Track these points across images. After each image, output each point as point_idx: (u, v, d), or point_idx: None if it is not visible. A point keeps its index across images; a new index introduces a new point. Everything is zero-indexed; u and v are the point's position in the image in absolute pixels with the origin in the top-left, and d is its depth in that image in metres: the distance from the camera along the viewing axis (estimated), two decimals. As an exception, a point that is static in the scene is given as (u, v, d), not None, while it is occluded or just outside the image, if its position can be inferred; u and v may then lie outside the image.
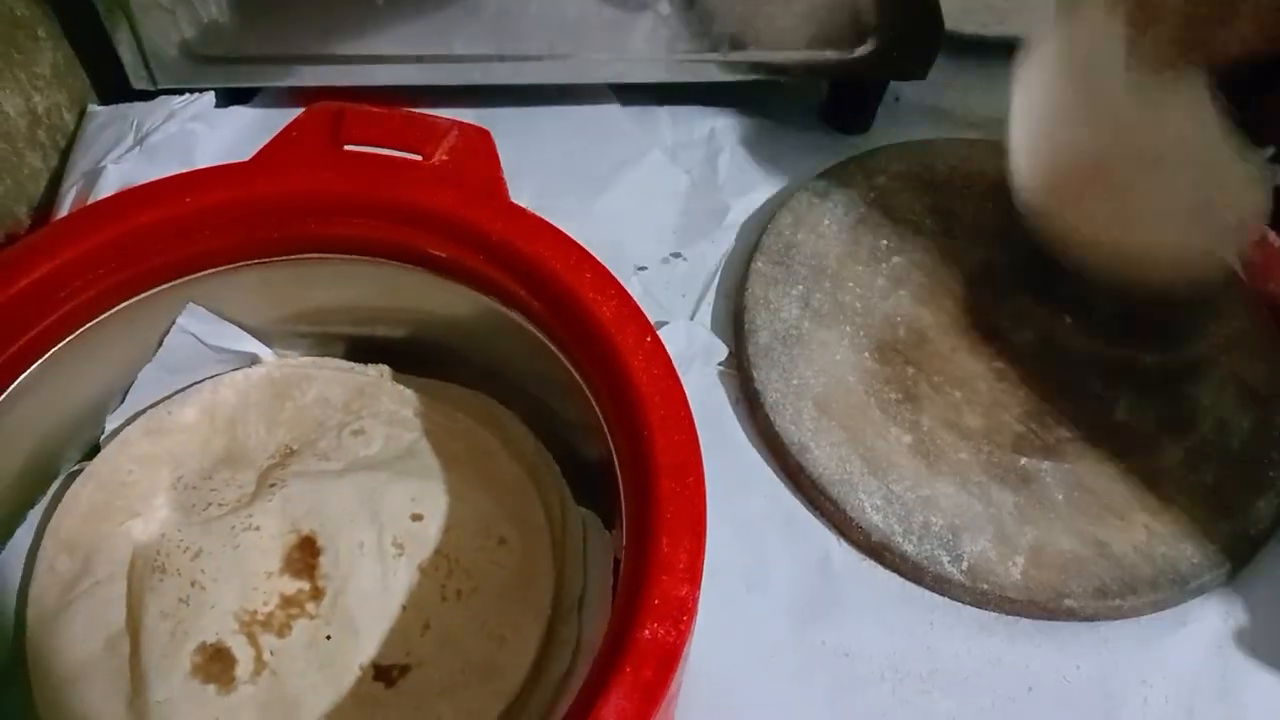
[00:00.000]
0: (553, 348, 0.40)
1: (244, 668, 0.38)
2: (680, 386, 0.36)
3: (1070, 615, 0.44)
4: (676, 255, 0.54)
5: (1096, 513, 0.45)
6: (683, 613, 0.31)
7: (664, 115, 0.59)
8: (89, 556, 0.40)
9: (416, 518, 0.41)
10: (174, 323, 0.42)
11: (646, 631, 0.31)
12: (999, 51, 0.62)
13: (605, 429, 0.37)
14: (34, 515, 0.41)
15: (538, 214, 0.39)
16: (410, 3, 0.50)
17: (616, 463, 0.36)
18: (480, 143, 0.41)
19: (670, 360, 0.36)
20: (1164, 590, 0.44)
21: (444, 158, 0.41)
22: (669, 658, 0.31)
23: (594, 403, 0.38)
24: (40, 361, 0.39)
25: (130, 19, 0.49)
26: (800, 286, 0.52)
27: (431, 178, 0.40)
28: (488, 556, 0.41)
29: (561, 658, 0.40)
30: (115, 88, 0.54)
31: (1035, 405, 0.48)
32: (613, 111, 0.58)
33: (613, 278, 0.38)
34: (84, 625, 0.39)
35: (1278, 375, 0.50)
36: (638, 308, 0.37)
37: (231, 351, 0.44)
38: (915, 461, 0.46)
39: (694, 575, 0.32)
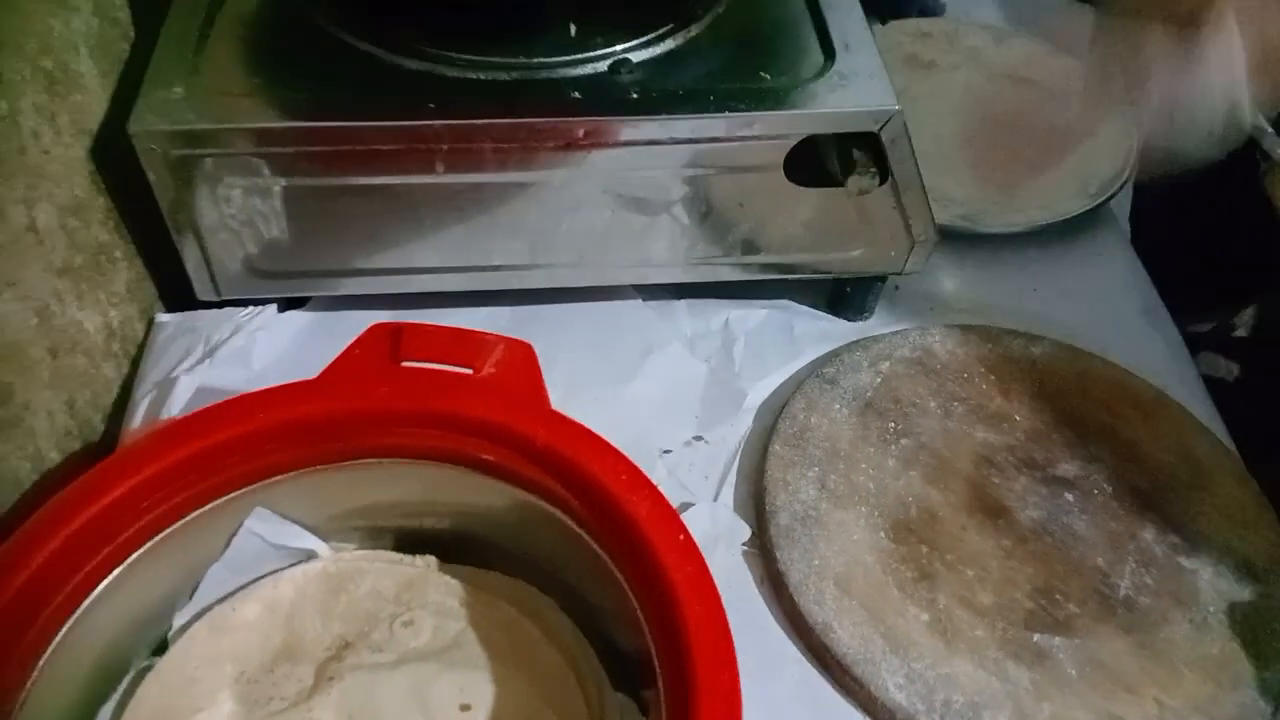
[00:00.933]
0: (591, 542, 0.43)
1: None
2: (713, 583, 0.39)
3: (1093, 791, 0.45)
4: (698, 439, 0.58)
5: (1109, 688, 0.47)
6: (725, 804, 0.34)
7: (683, 308, 0.64)
8: (157, 754, 0.42)
9: (465, 708, 0.43)
10: (242, 524, 0.45)
11: (692, 827, 0.33)
12: (986, 243, 0.68)
13: (642, 621, 0.40)
14: (105, 712, 0.43)
15: (574, 417, 0.43)
16: (454, 222, 0.55)
17: (655, 654, 0.39)
18: (523, 355, 0.46)
19: (702, 558, 0.40)
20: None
21: (491, 370, 0.45)
22: None
23: (630, 595, 0.41)
24: (118, 570, 0.42)
25: (199, 240, 0.55)
26: (816, 469, 0.55)
27: (480, 389, 0.44)
28: (532, 745, 0.43)
29: (605, 844, 0.42)
30: (180, 298, 0.59)
31: (1044, 581, 0.51)
32: (636, 306, 0.63)
33: (647, 479, 0.42)
34: (152, 823, 0.41)
35: (1273, 547, 0.53)
36: (670, 508, 0.41)
37: (291, 548, 0.47)
38: (934, 639, 0.49)
39: (734, 769, 0.35)
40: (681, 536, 0.40)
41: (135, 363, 0.56)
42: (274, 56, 0.55)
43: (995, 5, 0.87)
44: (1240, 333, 1.00)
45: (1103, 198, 0.68)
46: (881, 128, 0.53)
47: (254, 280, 0.57)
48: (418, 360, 0.45)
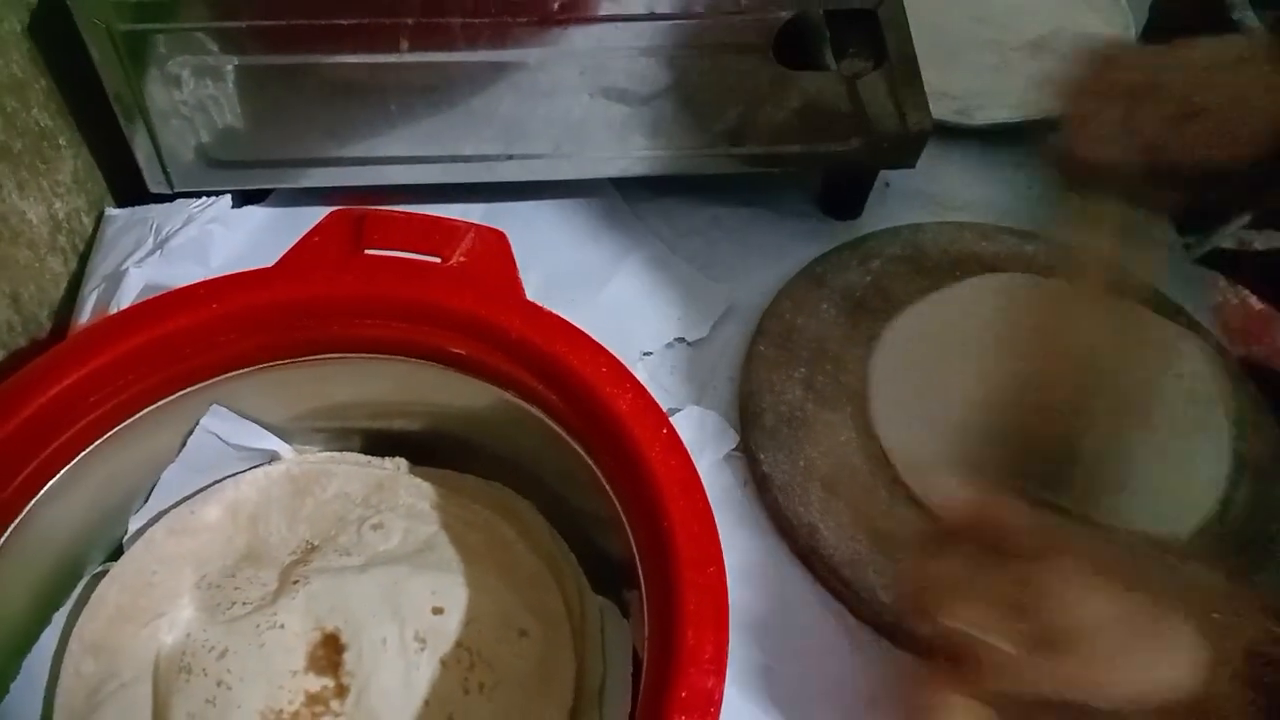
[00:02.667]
0: (571, 441, 0.41)
1: (271, 767, 0.38)
2: (698, 478, 0.37)
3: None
4: (680, 340, 0.55)
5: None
6: (709, 704, 0.32)
7: (664, 207, 0.61)
8: (114, 659, 0.40)
9: (437, 611, 0.42)
10: (198, 423, 0.43)
11: (676, 723, 0.32)
12: (982, 138, 0.65)
13: (624, 521, 0.38)
14: (59, 618, 0.41)
15: (550, 309, 0.41)
16: (423, 108, 0.52)
17: (637, 554, 0.37)
18: (496, 244, 0.43)
19: (687, 452, 0.37)
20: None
21: (462, 259, 0.42)
22: (698, 749, 0.31)
23: (612, 495, 0.39)
24: (68, 467, 0.40)
25: (149, 126, 0.51)
26: (802, 369, 0.53)
27: (450, 279, 0.42)
28: (509, 649, 0.41)
29: (585, 748, 0.40)
30: (131, 192, 0.55)
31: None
32: (615, 204, 0.60)
33: (628, 371, 0.39)
34: (110, 728, 0.39)
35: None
36: (653, 400, 0.39)
37: (252, 449, 0.45)
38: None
39: (719, 666, 0.33)
40: (665, 430, 0.38)
41: (83, 258, 0.53)
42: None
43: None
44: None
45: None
46: (878, 5, 0.50)
47: (209, 171, 0.54)
48: (383, 248, 0.42)
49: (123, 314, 0.41)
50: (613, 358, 0.40)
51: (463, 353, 0.41)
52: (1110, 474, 0.49)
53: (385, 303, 0.41)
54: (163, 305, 0.41)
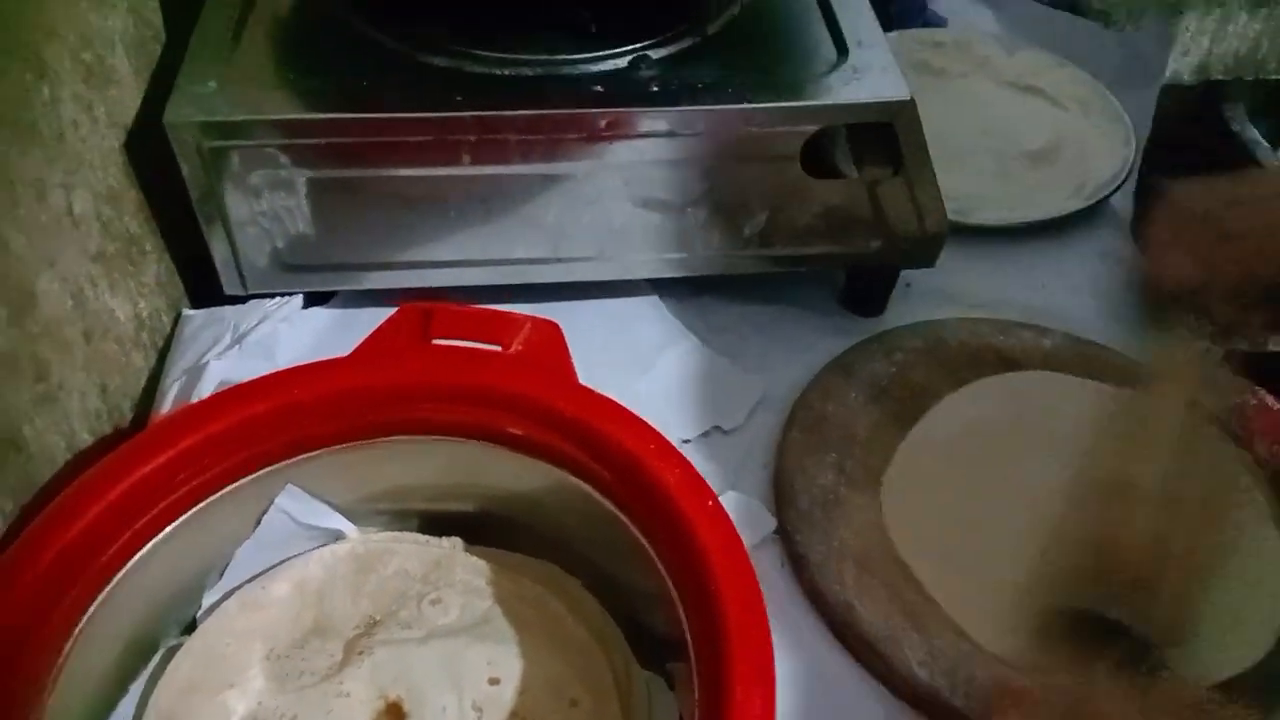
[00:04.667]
0: (619, 515, 0.44)
1: (337, 830, 0.40)
2: (742, 545, 0.39)
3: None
4: (717, 429, 0.59)
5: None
6: (760, 754, 0.34)
7: (698, 305, 0.65)
8: (188, 726, 0.43)
9: (494, 681, 0.44)
10: (272, 503, 0.46)
11: (729, 774, 0.34)
12: (997, 237, 0.69)
13: (671, 589, 0.41)
14: (136, 688, 0.44)
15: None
16: (478, 215, 0.56)
17: (684, 617, 0.40)
18: (551, 334, 0.47)
19: (731, 521, 0.40)
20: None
21: (520, 347, 0.46)
22: (751, 798, 0.33)
23: (659, 565, 0.42)
24: (150, 544, 0.43)
25: (228, 233, 0.56)
26: (833, 454, 0.56)
27: (510, 365, 0.45)
28: (561, 718, 0.43)
29: (635, 815, 0.42)
30: (206, 294, 0.60)
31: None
32: (652, 302, 0.64)
33: (674, 448, 0.42)
34: (183, 794, 0.41)
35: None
36: (698, 475, 0.42)
37: (320, 529, 0.48)
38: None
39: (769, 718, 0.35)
40: (711, 503, 0.41)
41: (162, 355, 0.57)
42: (304, 54, 0.56)
43: (996, 21, 0.89)
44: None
45: (1099, 197, 0.70)
46: (895, 117, 0.54)
47: (280, 274, 0.58)
48: (448, 338, 0.46)
49: (206, 400, 0.45)
50: (660, 436, 0.43)
51: (520, 432, 0.45)
52: (1190, 609, 0.49)
53: (451, 387, 0.45)
54: (244, 392, 0.44)
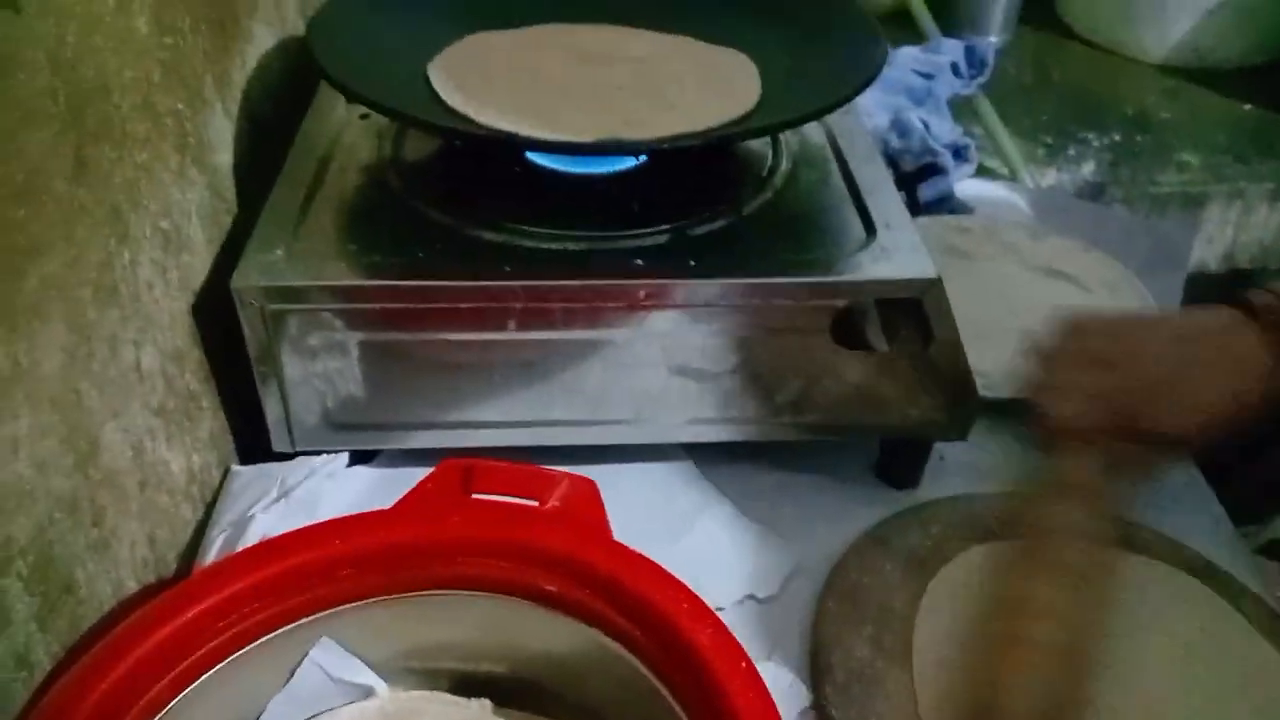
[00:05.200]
0: (650, 676, 0.43)
1: None
2: (774, 706, 0.39)
3: None
4: (750, 597, 0.58)
5: None
6: None
7: (733, 473, 0.66)
8: None
9: None
10: (306, 655, 0.46)
11: None
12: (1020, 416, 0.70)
13: (705, 753, 0.40)
14: (157, 843, 0.43)
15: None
16: (520, 379, 0.59)
17: (717, 785, 0.39)
18: (587, 491, 0.48)
19: (763, 682, 0.40)
20: None
21: (556, 504, 0.47)
22: None
23: (691, 726, 0.41)
24: (187, 691, 0.43)
25: (283, 393, 0.58)
26: (870, 627, 0.55)
27: (546, 520, 0.46)
28: None
29: None
30: (252, 451, 0.62)
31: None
32: (687, 468, 0.65)
33: (708, 608, 0.43)
34: None
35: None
36: (732, 636, 0.42)
37: (352, 684, 0.48)
38: (997, 798, 0.47)
39: None
40: (744, 664, 0.40)
41: (209, 508, 0.58)
42: (365, 229, 0.60)
43: (1022, 209, 0.93)
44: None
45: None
46: (923, 294, 0.56)
47: (328, 432, 0.60)
48: (487, 493, 0.47)
49: (250, 550, 0.46)
50: (694, 595, 0.43)
51: (554, 588, 0.45)
52: None
53: (488, 541, 0.46)
54: (287, 542, 0.46)
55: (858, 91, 0.60)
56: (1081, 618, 0.49)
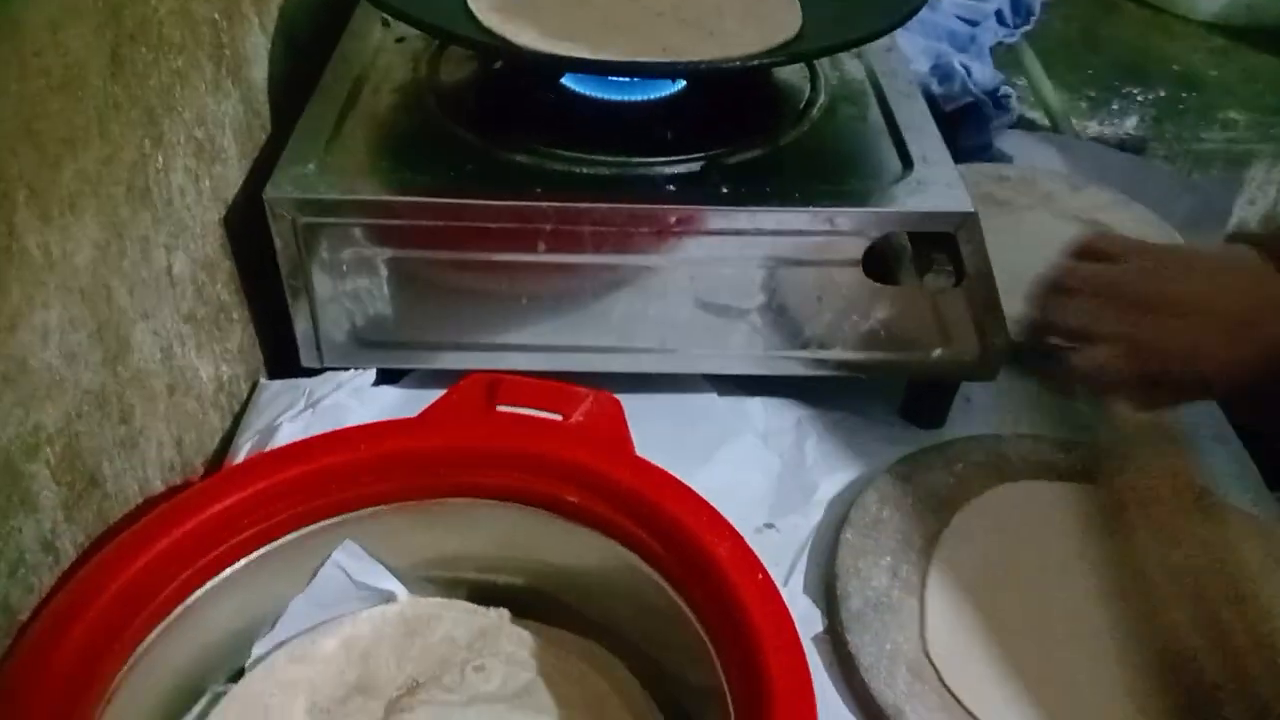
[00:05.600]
0: (667, 588, 0.44)
1: None
2: (789, 617, 0.39)
3: None
4: (769, 526, 0.58)
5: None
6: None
7: (756, 405, 0.65)
8: (227, 774, 0.43)
9: (532, 751, 0.43)
10: (329, 557, 0.47)
11: None
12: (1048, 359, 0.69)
13: (715, 659, 0.40)
14: (179, 731, 0.44)
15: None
16: (549, 302, 0.59)
17: (727, 689, 0.39)
18: (611, 408, 0.48)
19: (781, 598, 0.40)
20: None
21: (580, 419, 0.47)
22: None
23: (704, 635, 0.41)
24: (209, 585, 0.44)
25: (312, 309, 0.59)
26: (888, 558, 0.55)
27: (569, 434, 0.46)
28: (597, 794, 0.42)
29: None
30: (282, 367, 0.62)
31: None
32: (711, 400, 0.65)
33: (727, 522, 0.43)
34: (216, 840, 0.41)
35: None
36: (750, 550, 0.42)
37: (373, 588, 0.48)
38: (1010, 728, 0.48)
39: (811, 792, 0.34)
40: (761, 576, 0.41)
41: (237, 419, 0.59)
42: (397, 148, 0.60)
43: (1062, 160, 0.91)
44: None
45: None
46: (958, 228, 0.56)
47: (356, 350, 0.60)
48: (511, 406, 0.48)
49: (277, 451, 0.47)
50: (713, 510, 0.43)
51: (575, 501, 0.45)
52: None
53: (511, 453, 0.46)
54: (314, 445, 0.46)
55: (899, 23, 0.59)
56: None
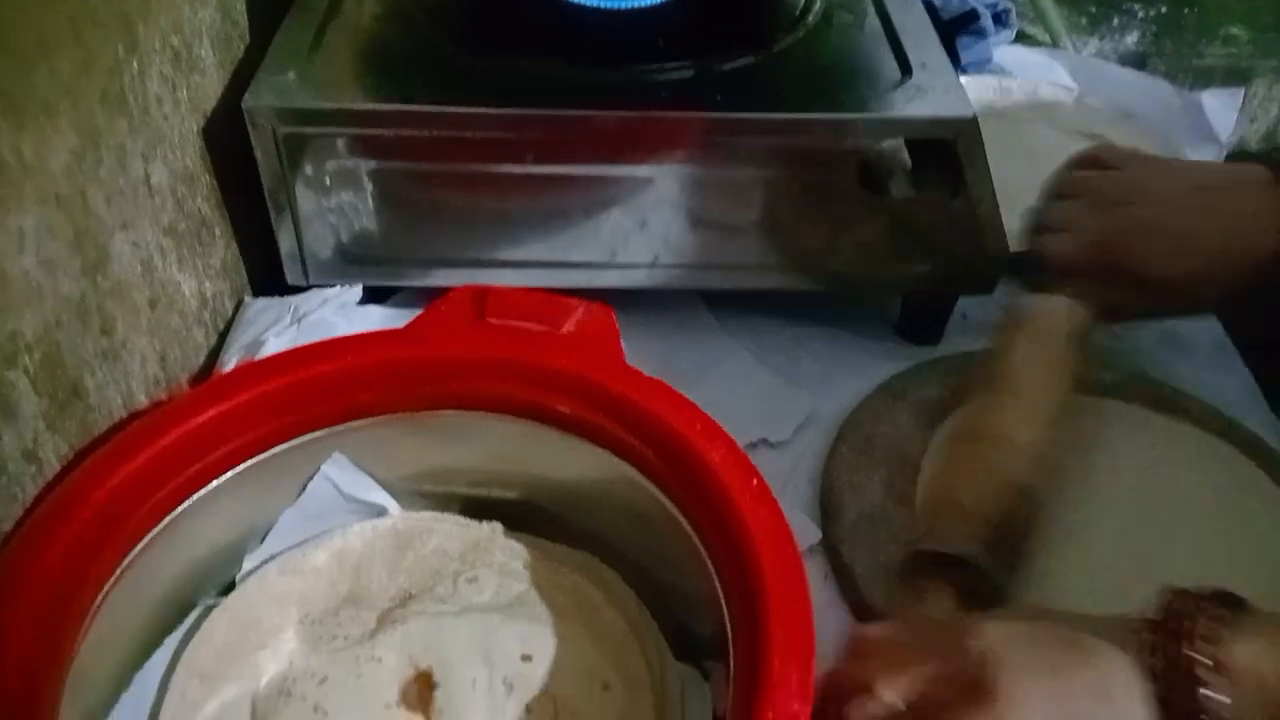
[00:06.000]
0: (661, 497, 0.43)
1: (358, 795, 0.39)
2: (786, 524, 0.39)
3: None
4: (763, 441, 0.58)
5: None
6: (796, 725, 0.33)
7: (750, 324, 0.65)
8: (218, 684, 0.42)
9: (526, 659, 0.43)
10: (319, 470, 0.46)
11: (762, 742, 0.32)
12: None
13: (710, 566, 0.40)
14: (171, 642, 0.44)
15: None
16: (538, 217, 0.57)
17: (722, 595, 0.39)
18: (603, 318, 0.47)
19: (776, 501, 0.40)
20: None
21: (571, 329, 0.46)
22: (784, 767, 0.32)
23: (699, 543, 0.41)
24: (197, 496, 0.43)
25: (296, 224, 0.57)
26: (882, 471, 0.55)
27: (561, 345, 0.45)
28: (592, 701, 0.42)
29: (663, 805, 0.41)
30: (267, 286, 0.61)
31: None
32: (704, 319, 0.64)
33: (720, 429, 0.42)
34: (208, 749, 0.41)
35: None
36: (744, 455, 0.41)
37: (363, 502, 0.48)
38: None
39: (806, 693, 0.34)
40: (755, 481, 0.40)
41: (222, 337, 0.58)
42: (381, 57, 0.59)
43: (1063, 73, 0.89)
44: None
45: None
46: (957, 137, 0.54)
47: (342, 266, 0.59)
48: (501, 318, 0.47)
49: (265, 360, 0.46)
50: (707, 417, 0.43)
51: (568, 410, 0.44)
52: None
53: (501, 362, 0.45)
54: (303, 354, 0.45)
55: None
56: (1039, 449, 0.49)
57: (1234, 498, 0.55)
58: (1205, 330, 0.67)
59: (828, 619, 0.49)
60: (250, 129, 0.53)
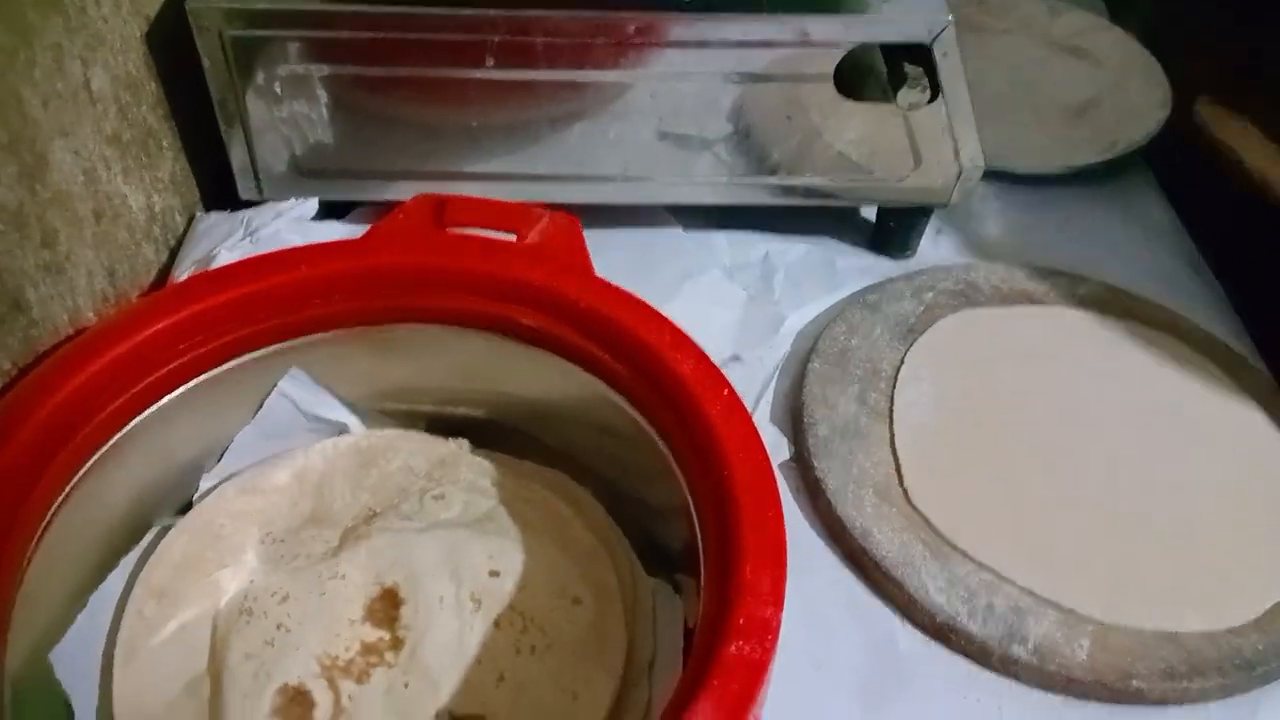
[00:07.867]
0: (630, 409, 0.42)
1: (323, 711, 0.38)
2: (757, 434, 0.38)
3: (1138, 698, 0.43)
4: (736, 358, 0.57)
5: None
6: (767, 631, 0.32)
7: (722, 239, 0.63)
8: (177, 603, 0.41)
9: (494, 574, 0.42)
10: (275, 386, 0.45)
11: (733, 648, 0.32)
12: (1031, 188, 0.68)
13: (681, 477, 0.39)
14: (127, 563, 0.42)
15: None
16: (501, 126, 0.55)
17: (693, 505, 0.38)
18: (568, 227, 0.45)
19: (747, 411, 0.39)
20: (1230, 675, 0.44)
21: (536, 239, 0.45)
22: (755, 673, 0.32)
23: (669, 454, 0.40)
24: (149, 411, 0.42)
25: (247, 136, 0.55)
26: (856, 386, 0.54)
27: (525, 254, 0.44)
28: (562, 615, 0.42)
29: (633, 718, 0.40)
30: (220, 200, 0.59)
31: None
32: (675, 234, 0.63)
33: (690, 339, 0.41)
34: (167, 668, 0.40)
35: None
36: (714, 365, 0.40)
37: (324, 420, 0.46)
38: (976, 545, 0.47)
39: (778, 598, 0.33)
40: (726, 392, 0.39)
41: (173, 253, 0.56)
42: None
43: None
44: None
45: (1131, 149, 0.69)
46: (934, 39, 0.53)
47: (297, 180, 0.57)
48: (462, 227, 0.45)
49: (217, 270, 0.44)
50: (676, 327, 0.42)
51: (533, 324, 0.43)
52: None
53: (463, 275, 0.43)
54: (256, 265, 0.43)
55: None
56: None
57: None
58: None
59: (798, 536, 0.49)
60: (195, 32, 0.51)
